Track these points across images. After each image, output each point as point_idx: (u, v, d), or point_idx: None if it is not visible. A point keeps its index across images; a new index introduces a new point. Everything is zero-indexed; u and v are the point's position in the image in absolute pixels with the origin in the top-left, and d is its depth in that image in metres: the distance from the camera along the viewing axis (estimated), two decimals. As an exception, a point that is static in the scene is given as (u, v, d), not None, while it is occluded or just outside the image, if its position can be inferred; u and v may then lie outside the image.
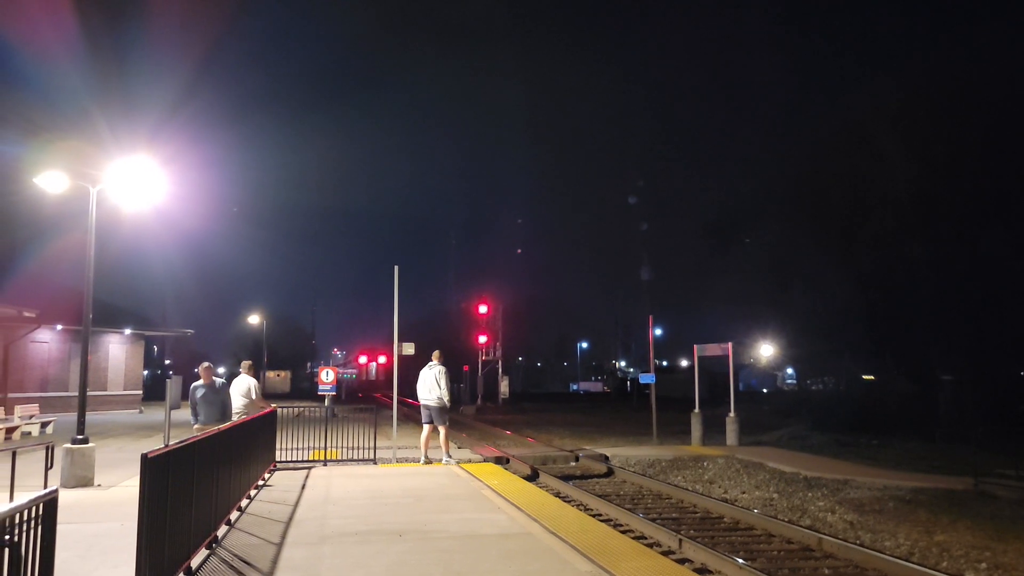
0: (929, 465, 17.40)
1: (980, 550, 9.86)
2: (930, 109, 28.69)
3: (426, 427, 14.93)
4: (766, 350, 36.85)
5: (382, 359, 77.96)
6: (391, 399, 16.55)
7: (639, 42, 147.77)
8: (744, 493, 14.72)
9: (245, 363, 13.85)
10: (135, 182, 12.63)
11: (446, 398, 14.68)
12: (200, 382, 11.94)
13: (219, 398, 11.99)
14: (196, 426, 11.51)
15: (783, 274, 36.21)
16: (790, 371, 52.63)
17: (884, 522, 11.63)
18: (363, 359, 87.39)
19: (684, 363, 75.55)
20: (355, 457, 15.06)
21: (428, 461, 14.80)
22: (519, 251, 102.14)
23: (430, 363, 14.85)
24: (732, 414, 21.31)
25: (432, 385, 14.64)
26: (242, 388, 13.06)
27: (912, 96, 29.81)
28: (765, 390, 64.08)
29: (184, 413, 14.12)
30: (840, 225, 31.52)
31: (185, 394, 16.23)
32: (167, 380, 17.29)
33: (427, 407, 14.77)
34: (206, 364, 12.28)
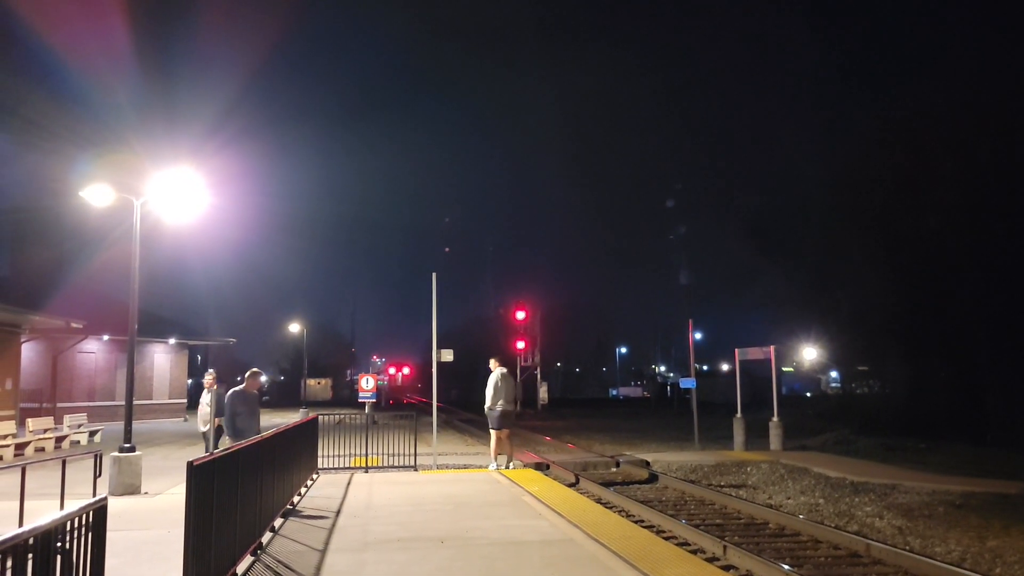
0: (979, 469, 16.97)
1: (1035, 556, 9.59)
2: (976, 107, 28.07)
3: (494, 433, 15.08)
4: (809, 353, 36.22)
5: (406, 370, 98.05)
6: (416, 400, 16.76)
7: (675, 45, 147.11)
8: (789, 499, 14.49)
9: (211, 373, 13.61)
10: (178, 194, 12.86)
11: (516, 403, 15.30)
12: (242, 390, 10.98)
13: (258, 410, 11.28)
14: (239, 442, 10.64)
15: (825, 276, 35.66)
16: (834, 374, 51.71)
17: (934, 527, 11.36)
18: (392, 370, 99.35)
19: (725, 367, 74.75)
20: (396, 464, 15.15)
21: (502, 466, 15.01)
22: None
23: (501, 370, 14.99)
24: (775, 418, 20.98)
25: (511, 389, 14.98)
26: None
27: (957, 94, 29.21)
28: (808, 394, 63.06)
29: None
30: (883, 225, 30.95)
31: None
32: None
33: (506, 413, 14.95)
34: (255, 370, 11.42)
